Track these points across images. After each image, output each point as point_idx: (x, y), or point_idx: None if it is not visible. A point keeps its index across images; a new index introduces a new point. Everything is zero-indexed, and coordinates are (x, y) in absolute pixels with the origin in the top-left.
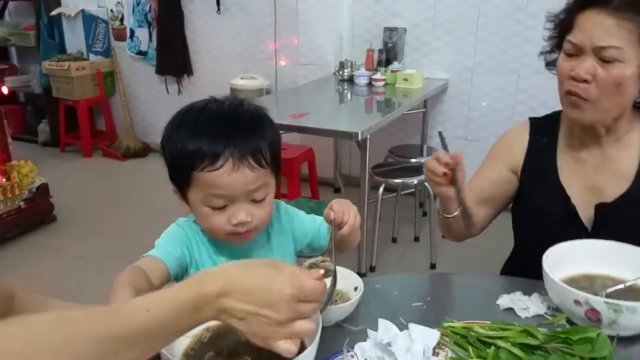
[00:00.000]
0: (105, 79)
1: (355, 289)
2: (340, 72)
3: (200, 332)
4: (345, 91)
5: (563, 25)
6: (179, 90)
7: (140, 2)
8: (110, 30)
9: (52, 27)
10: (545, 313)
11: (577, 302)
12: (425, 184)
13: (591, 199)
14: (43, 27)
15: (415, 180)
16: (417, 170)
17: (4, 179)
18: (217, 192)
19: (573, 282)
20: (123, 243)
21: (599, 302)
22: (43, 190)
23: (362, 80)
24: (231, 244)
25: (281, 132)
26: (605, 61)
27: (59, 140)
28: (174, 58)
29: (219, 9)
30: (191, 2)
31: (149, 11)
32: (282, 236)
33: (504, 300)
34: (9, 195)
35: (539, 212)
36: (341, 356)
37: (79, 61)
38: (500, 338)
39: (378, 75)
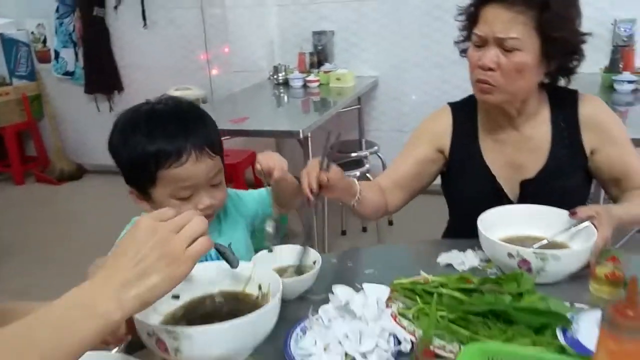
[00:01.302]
0: (32, 102)
1: (314, 263)
2: (275, 77)
3: (174, 309)
4: (282, 94)
5: (470, 18)
6: (111, 107)
7: (63, 23)
8: (33, 53)
9: None
10: (478, 265)
11: (510, 254)
12: (367, 175)
13: (514, 175)
14: None
15: (357, 173)
16: (358, 163)
17: None
18: (185, 184)
19: (504, 241)
20: (67, 271)
21: (528, 252)
22: None
23: (297, 83)
24: None
25: (224, 137)
26: (507, 50)
27: None
28: (102, 76)
29: (145, 24)
30: (116, 19)
31: (73, 31)
32: (232, 217)
33: (443, 258)
34: None
35: (468, 191)
36: (307, 321)
37: (2, 86)
38: (442, 286)
39: (312, 77)
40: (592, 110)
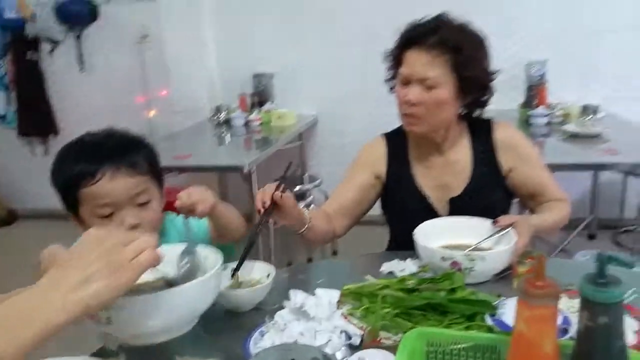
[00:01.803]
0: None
1: (268, 275)
2: (217, 116)
3: None
4: (224, 133)
5: (395, 60)
6: (46, 150)
7: None
8: None
9: None
10: (416, 271)
11: (443, 258)
12: (311, 207)
13: (443, 194)
14: None
15: (301, 206)
16: (302, 196)
17: None
18: (102, 202)
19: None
20: None
21: (458, 255)
22: None
23: (239, 121)
24: None
25: (167, 174)
26: (428, 87)
27: None
28: (37, 119)
29: (82, 68)
30: (52, 64)
31: (5, 74)
32: (175, 233)
33: (385, 267)
34: None
35: (404, 211)
36: (264, 327)
37: None
38: (385, 287)
39: (254, 116)
40: (504, 134)
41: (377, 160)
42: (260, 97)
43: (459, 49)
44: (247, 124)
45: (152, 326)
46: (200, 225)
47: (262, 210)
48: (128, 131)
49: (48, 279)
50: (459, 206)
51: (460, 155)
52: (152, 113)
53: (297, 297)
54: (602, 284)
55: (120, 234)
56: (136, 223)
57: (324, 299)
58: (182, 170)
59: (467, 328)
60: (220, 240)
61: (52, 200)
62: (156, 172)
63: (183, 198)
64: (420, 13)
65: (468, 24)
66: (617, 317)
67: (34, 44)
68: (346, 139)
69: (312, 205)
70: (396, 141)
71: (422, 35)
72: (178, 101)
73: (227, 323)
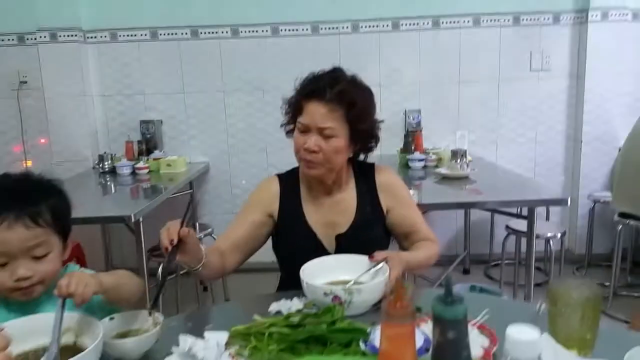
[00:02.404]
0: None
1: (155, 324)
2: (100, 165)
3: None
4: (109, 182)
5: (294, 108)
6: None
7: None
8: None
9: None
10: (302, 307)
11: (325, 293)
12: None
13: (330, 231)
14: None
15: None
16: None
17: None
18: None
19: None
20: None
21: (338, 289)
22: None
23: (125, 170)
24: (20, 300)
25: None
26: (326, 136)
27: None
28: None
29: None
30: None
31: None
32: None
33: (273, 307)
34: None
35: (295, 247)
36: None
37: None
38: (272, 325)
39: (141, 164)
40: (384, 177)
41: (270, 198)
42: (147, 144)
43: (353, 104)
44: (133, 172)
45: None
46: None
47: (170, 247)
48: (45, 177)
49: None
50: (345, 243)
51: (347, 195)
52: (29, 163)
53: (185, 341)
54: (449, 303)
55: None
56: (28, 275)
57: (212, 341)
58: None
59: (345, 354)
60: (115, 305)
61: None
62: (60, 224)
63: (62, 289)
64: (307, 65)
65: (358, 78)
66: (462, 331)
67: None
68: (236, 188)
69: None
70: (289, 181)
71: (322, 89)
72: (59, 151)
73: None
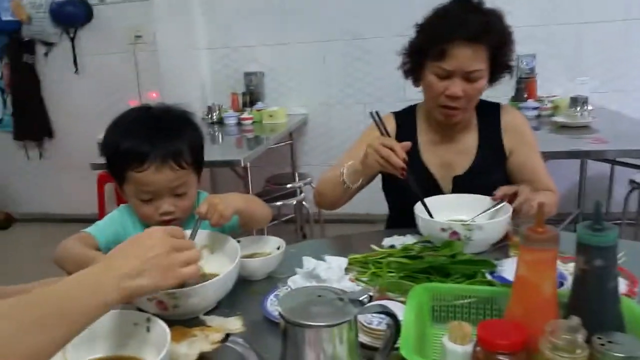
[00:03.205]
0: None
1: (278, 248)
2: (209, 116)
3: None
4: (216, 132)
5: (427, 52)
6: (40, 154)
7: None
8: None
9: None
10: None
11: (442, 229)
12: (304, 203)
13: (447, 172)
14: None
15: (294, 202)
16: (293, 194)
17: None
18: (145, 189)
19: None
20: None
21: (457, 225)
22: None
23: (231, 120)
24: None
25: None
26: (470, 80)
27: None
28: (32, 122)
29: (76, 70)
30: (46, 66)
31: (1, 78)
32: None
33: (386, 241)
34: None
35: (408, 186)
36: (277, 291)
37: None
38: (390, 255)
39: (245, 115)
40: (510, 117)
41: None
42: (251, 96)
43: (497, 36)
44: (239, 122)
45: (203, 307)
46: None
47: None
48: (183, 110)
49: (108, 259)
50: (462, 185)
51: (468, 136)
52: None
53: (308, 262)
54: (597, 229)
55: (176, 241)
56: (171, 210)
57: (334, 264)
58: None
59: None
60: (245, 228)
61: (48, 203)
62: (198, 162)
63: (201, 209)
64: (405, 9)
65: (494, 8)
66: (611, 259)
67: (29, 47)
68: (333, 140)
69: (304, 202)
70: (405, 119)
71: (461, 26)
72: (170, 102)
73: (243, 289)
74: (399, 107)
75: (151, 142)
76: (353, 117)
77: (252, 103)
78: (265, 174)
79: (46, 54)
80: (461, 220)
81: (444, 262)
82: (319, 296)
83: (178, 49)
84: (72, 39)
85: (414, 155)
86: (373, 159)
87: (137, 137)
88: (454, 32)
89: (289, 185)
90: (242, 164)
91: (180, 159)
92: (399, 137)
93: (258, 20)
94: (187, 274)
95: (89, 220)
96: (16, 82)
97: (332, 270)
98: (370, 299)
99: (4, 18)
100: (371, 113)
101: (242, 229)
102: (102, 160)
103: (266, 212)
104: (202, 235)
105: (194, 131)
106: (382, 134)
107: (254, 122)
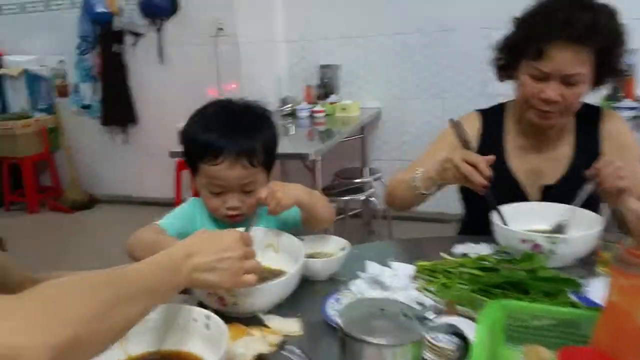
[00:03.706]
0: (50, 134)
1: (343, 249)
2: (283, 108)
3: None
4: (289, 124)
5: (522, 50)
6: (124, 139)
7: (83, 59)
8: (53, 87)
9: None
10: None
11: (522, 240)
12: (372, 198)
13: (535, 181)
14: None
15: (362, 197)
16: (361, 189)
17: None
18: (216, 183)
19: None
20: None
21: (540, 236)
22: None
23: (304, 113)
24: (226, 222)
25: None
26: (569, 84)
27: (2, 199)
28: (118, 109)
29: (161, 60)
30: (134, 55)
31: (93, 66)
32: (268, 218)
33: (458, 249)
34: None
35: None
36: (339, 294)
37: (24, 119)
38: (462, 266)
39: (318, 107)
40: (612, 125)
41: (471, 136)
42: (325, 88)
43: (606, 37)
44: (311, 115)
45: (262, 307)
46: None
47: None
48: (262, 108)
49: (186, 248)
50: (552, 195)
51: (562, 142)
52: None
53: (373, 268)
54: None
55: (248, 251)
56: (238, 206)
57: (400, 271)
58: None
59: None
60: (307, 226)
61: (129, 186)
62: (270, 161)
63: (262, 195)
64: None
65: (605, 4)
66: None
67: (119, 37)
68: (407, 135)
69: (372, 197)
70: (492, 119)
71: (566, 24)
72: (247, 95)
73: (303, 289)
74: (481, 103)
75: (227, 138)
76: (429, 112)
77: (325, 96)
78: (334, 167)
79: (134, 44)
80: (544, 231)
81: (523, 277)
82: (382, 309)
83: (257, 41)
84: (159, 30)
85: (499, 160)
86: (452, 175)
87: (215, 131)
88: (555, 30)
89: (357, 180)
90: (311, 158)
91: (253, 158)
92: (484, 140)
93: (337, 12)
94: (248, 282)
95: (166, 205)
96: (106, 70)
97: (397, 278)
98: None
99: (98, 10)
100: (451, 121)
101: (305, 226)
102: (180, 149)
103: (328, 211)
104: (268, 233)
105: (270, 130)
106: (463, 146)
107: (326, 115)
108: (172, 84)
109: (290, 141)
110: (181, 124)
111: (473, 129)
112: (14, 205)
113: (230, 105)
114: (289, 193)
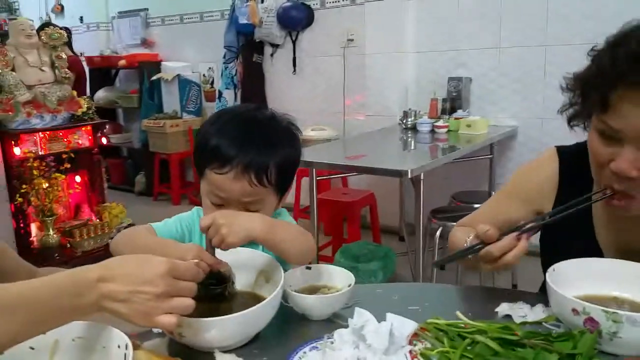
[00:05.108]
0: (196, 135)
1: (349, 285)
2: (404, 121)
3: None
4: (409, 138)
5: (593, 101)
6: None
7: (227, 67)
8: (202, 93)
9: (152, 90)
10: (538, 320)
11: (574, 310)
12: None
13: (629, 258)
14: (145, 90)
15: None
16: None
17: (96, 219)
18: (217, 193)
19: (581, 299)
20: None
21: (596, 310)
22: None
23: (424, 128)
24: None
25: (340, 173)
26: None
27: (152, 190)
28: None
29: (294, 70)
30: (271, 66)
31: (235, 74)
32: None
33: (503, 308)
34: (99, 233)
35: (568, 256)
36: (322, 341)
37: (174, 119)
38: (480, 332)
39: (440, 122)
40: None
41: (543, 188)
42: (452, 102)
43: None
44: (432, 130)
45: (221, 343)
46: None
47: None
48: (288, 122)
49: (102, 270)
50: None
51: None
52: (350, 116)
53: (361, 315)
54: None
55: (175, 286)
56: None
57: (386, 327)
58: (345, 169)
59: None
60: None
61: None
62: (283, 181)
63: (203, 224)
64: None
65: None
66: None
67: (259, 47)
68: None
69: None
70: (575, 162)
71: None
72: (371, 104)
73: (290, 327)
74: None
75: (239, 147)
76: (573, 133)
77: (452, 110)
78: (455, 188)
79: (272, 55)
80: (616, 299)
81: None
82: None
83: (386, 52)
84: (294, 41)
85: (582, 224)
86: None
87: (228, 137)
88: (623, 74)
89: (475, 205)
90: (409, 175)
91: (263, 175)
92: (562, 191)
93: (471, 23)
94: (162, 324)
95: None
96: (246, 78)
97: (380, 336)
98: None
99: (242, 21)
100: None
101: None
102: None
103: (300, 249)
104: (260, 260)
105: (291, 149)
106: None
107: (449, 130)
108: (303, 93)
109: (409, 154)
110: (306, 132)
111: (548, 178)
112: (161, 196)
113: (253, 113)
114: (239, 228)
